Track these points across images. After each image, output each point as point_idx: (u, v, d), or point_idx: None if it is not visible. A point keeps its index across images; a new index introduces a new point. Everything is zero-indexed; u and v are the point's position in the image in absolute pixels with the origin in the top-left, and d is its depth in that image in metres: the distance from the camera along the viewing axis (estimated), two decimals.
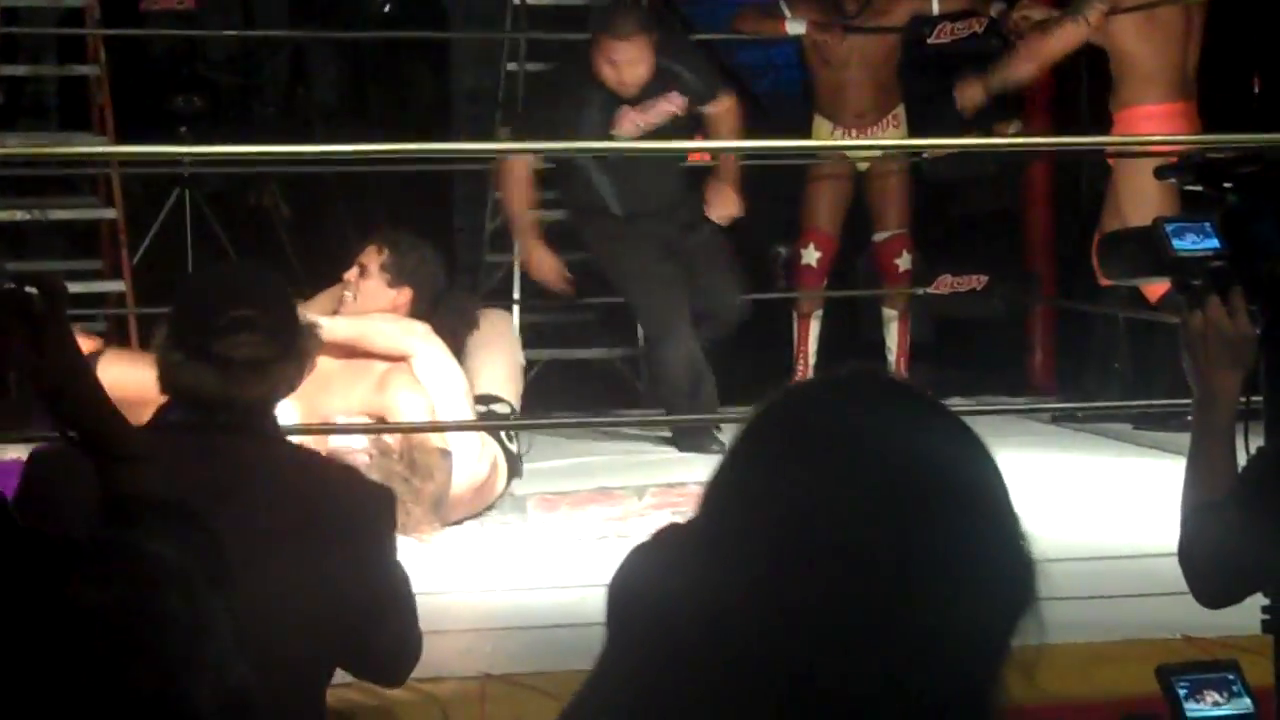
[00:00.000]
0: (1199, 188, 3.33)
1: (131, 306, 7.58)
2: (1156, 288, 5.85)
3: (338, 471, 3.28)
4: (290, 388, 3.07)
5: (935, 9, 7.60)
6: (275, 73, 10.34)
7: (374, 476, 5.42)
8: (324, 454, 5.57)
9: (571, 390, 8.28)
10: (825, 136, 7.63)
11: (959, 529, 1.27)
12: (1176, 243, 3.15)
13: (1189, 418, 2.85)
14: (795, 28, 7.60)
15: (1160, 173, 3.52)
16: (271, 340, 2.99)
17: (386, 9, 9.75)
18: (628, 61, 6.58)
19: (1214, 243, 3.15)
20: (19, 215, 8.27)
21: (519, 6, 8.73)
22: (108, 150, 7.97)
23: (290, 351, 3.03)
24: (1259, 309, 3.10)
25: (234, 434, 2.95)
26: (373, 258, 6.13)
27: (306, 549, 2.89)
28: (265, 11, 10.15)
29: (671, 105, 6.74)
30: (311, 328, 3.18)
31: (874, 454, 1.28)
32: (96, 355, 6.02)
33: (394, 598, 3.01)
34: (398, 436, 5.54)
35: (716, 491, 1.31)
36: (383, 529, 3.03)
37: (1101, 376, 7.28)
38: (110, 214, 8.05)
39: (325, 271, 6.85)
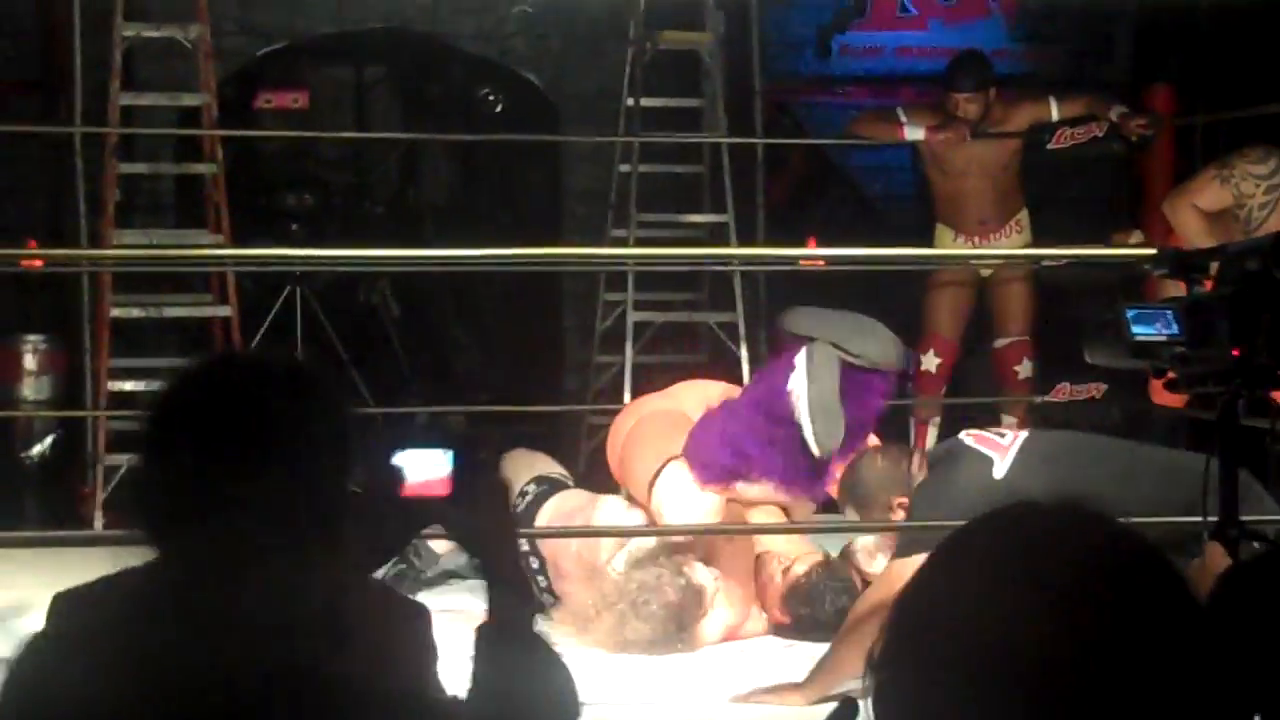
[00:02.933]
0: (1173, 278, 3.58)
1: None
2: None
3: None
4: None
5: (1054, 114, 7.53)
6: (386, 171, 10.40)
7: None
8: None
9: None
10: (948, 244, 7.57)
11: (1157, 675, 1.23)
12: (1135, 329, 3.36)
13: None
14: (913, 133, 7.54)
15: (1144, 264, 3.62)
16: None
17: (499, 109, 9.77)
18: None
19: (1174, 330, 3.34)
20: (135, 312, 8.33)
21: (632, 108, 8.73)
22: (222, 253, 8.03)
23: None
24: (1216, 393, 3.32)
25: None
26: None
27: None
28: (377, 111, 10.22)
29: None
30: None
31: (1091, 598, 1.24)
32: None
33: None
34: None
35: (910, 618, 1.28)
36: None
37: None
38: (224, 311, 8.11)
39: (432, 368, 6.81)
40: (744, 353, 8.53)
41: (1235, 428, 3.34)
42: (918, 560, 4.43)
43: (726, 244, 8.66)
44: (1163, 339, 3.37)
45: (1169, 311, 3.37)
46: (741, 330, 8.57)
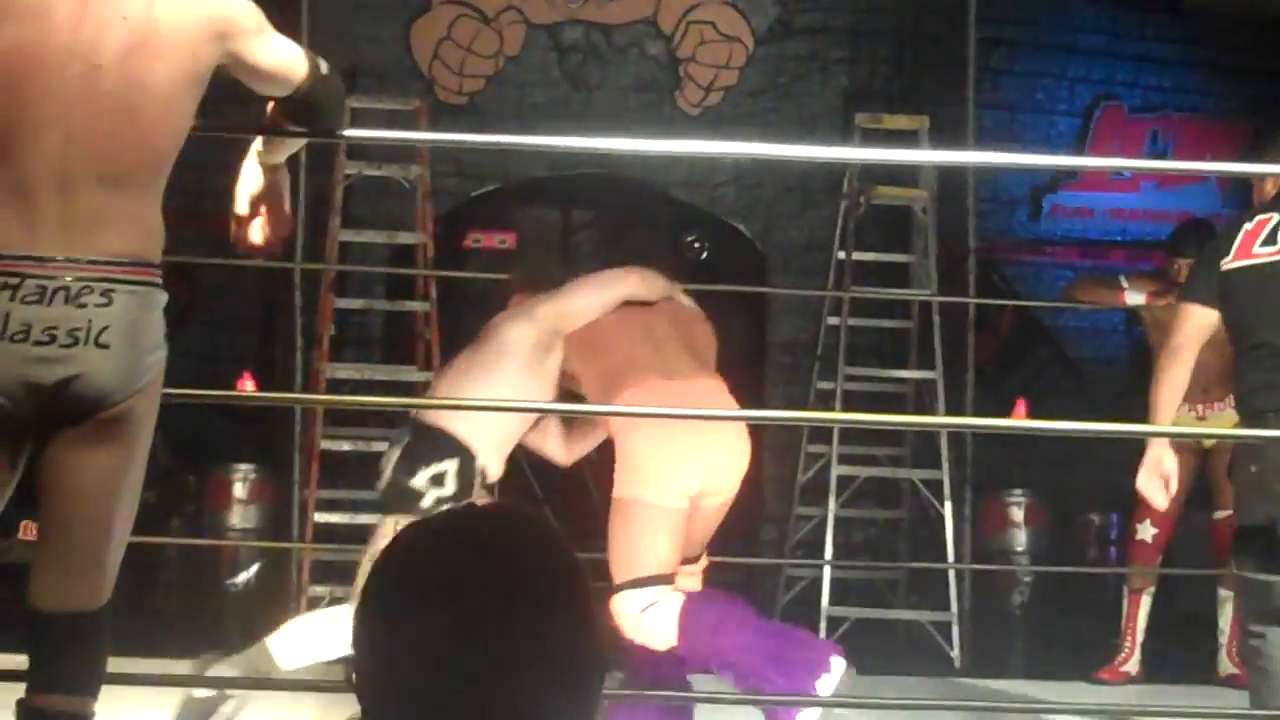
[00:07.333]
0: None
1: None
2: None
3: None
4: None
5: None
6: None
7: None
8: None
9: (878, 652, 8.09)
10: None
11: None
12: None
13: None
14: (1134, 298, 7.44)
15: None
16: None
17: (704, 255, 9.81)
18: None
19: None
20: (344, 446, 8.43)
21: (843, 261, 8.74)
22: (424, 402, 8.08)
23: None
24: None
25: None
26: None
27: None
28: (583, 253, 10.30)
29: None
30: None
31: None
32: None
33: None
34: None
35: None
36: None
37: None
38: None
39: None
40: (948, 511, 8.44)
41: None
42: None
43: (934, 399, 8.60)
44: None
45: None
46: (946, 489, 8.48)
